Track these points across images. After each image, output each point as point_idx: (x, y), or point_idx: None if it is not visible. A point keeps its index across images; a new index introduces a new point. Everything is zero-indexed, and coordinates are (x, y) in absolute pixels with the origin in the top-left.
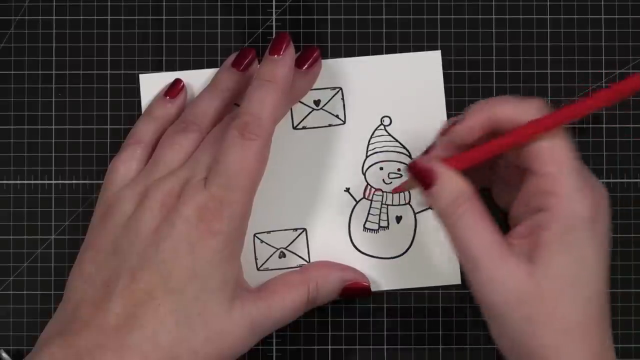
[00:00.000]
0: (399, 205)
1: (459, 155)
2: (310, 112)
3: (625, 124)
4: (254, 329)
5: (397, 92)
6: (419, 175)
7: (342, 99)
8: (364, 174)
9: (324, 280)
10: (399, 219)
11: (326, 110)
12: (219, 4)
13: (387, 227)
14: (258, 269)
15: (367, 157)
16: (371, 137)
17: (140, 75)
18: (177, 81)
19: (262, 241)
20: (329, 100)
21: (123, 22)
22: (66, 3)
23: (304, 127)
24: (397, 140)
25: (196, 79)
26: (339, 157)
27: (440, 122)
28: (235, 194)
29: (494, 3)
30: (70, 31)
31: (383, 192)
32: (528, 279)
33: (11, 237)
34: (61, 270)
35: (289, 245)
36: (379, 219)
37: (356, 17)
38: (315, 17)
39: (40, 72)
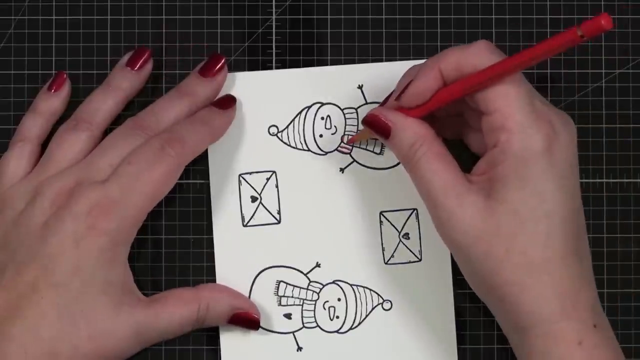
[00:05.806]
0: None
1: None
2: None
3: (625, 124)
4: (140, 335)
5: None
6: (376, 126)
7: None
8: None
9: (215, 302)
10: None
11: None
12: (219, 4)
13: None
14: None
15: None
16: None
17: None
18: (60, 73)
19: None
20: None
21: (123, 22)
22: (66, 3)
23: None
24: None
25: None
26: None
27: None
28: (134, 198)
29: (493, 3)
30: (70, 31)
31: None
32: (485, 215)
33: None
34: None
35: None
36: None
37: (356, 17)
38: (315, 17)
39: (40, 72)
